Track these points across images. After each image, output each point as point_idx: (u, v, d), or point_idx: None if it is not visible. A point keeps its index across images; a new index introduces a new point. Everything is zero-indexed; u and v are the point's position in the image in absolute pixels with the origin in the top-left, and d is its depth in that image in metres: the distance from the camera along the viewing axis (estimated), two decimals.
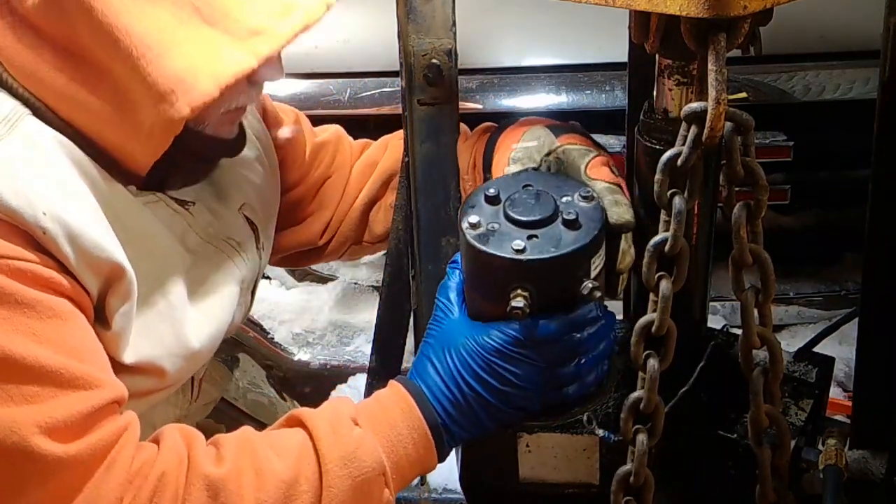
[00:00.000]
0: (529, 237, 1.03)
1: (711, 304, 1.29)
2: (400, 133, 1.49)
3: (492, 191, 1.09)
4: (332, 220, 1.47)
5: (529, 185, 1.09)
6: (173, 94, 0.97)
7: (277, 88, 2.01)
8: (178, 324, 1.11)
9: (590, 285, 1.02)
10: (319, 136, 1.49)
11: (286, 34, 1.05)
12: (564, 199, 1.06)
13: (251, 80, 1.09)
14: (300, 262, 1.56)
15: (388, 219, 1.50)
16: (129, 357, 1.05)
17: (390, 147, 1.51)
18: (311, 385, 2.00)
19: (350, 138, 1.53)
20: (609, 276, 1.09)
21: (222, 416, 2.08)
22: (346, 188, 1.47)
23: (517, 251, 1.01)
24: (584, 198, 1.07)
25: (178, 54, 0.97)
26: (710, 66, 0.89)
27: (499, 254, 1.01)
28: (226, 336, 1.23)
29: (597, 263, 1.04)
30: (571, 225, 1.03)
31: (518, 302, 1.00)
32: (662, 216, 0.97)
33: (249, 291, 1.28)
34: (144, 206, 1.10)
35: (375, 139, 1.98)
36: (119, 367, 1.04)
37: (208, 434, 1.42)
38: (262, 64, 1.02)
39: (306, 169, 1.45)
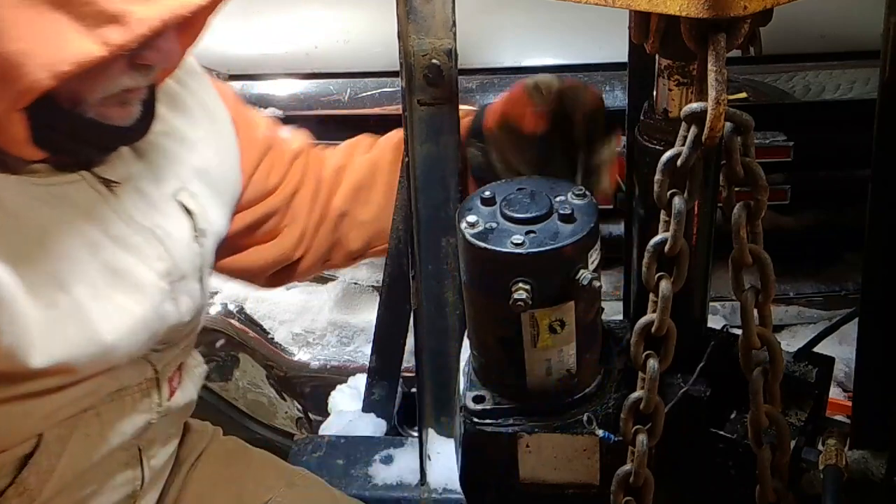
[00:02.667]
0: (527, 233, 1.04)
1: (711, 304, 1.29)
2: (366, 137, 1.47)
3: (487, 193, 1.10)
4: (304, 234, 1.42)
5: (523, 188, 1.11)
6: (2, 80, 0.90)
7: (278, 88, 2.01)
8: (87, 320, 1.04)
9: (588, 276, 1.03)
10: (292, 146, 1.44)
11: (148, 22, 0.92)
12: (558, 198, 1.09)
13: (134, 64, 0.99)
14: (281, 279, 1.49)
15: (363, 237, 1.47)
16: (38, 361, 1.00)
17: (357, 152, 1.46)
18: (311, 385, 2.00)
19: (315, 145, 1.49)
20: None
21: (221, 416, 2.08)
22: (317, 199, 1.42)
23: (516, 245, 1.02)
24: (578, 195, 1.09)
25: (12, 37, 0.89)
26: (710, 67, 0.89)
27: (499, 249, 1.03)
28: (178, 330, 1.17)
29: (594, 257, 1.06)
30: (567, 219, 1.05)
31: (520, 294, 1.01)
32: (662, 216, 0.97)
33: (195, 280, 1.18)
34: (52, 191, 1.03)
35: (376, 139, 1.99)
36: (29, 373, 0.99)
37: (199, 435, 1.41)
38: (115, 53, 0.92)
39: (280, 179, 1.39)
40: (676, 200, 0.95)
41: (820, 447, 1.13)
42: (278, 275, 1.46)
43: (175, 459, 1.34)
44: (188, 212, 1.16)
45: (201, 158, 1.20)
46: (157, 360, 1.17)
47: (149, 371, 1.16)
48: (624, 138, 1.68)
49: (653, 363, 0.99)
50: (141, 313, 1.09)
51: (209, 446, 1.39)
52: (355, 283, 2.09)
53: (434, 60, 1.36)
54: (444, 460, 1.70)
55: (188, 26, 1.02)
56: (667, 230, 0.96)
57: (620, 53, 1.28)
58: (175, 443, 1.28)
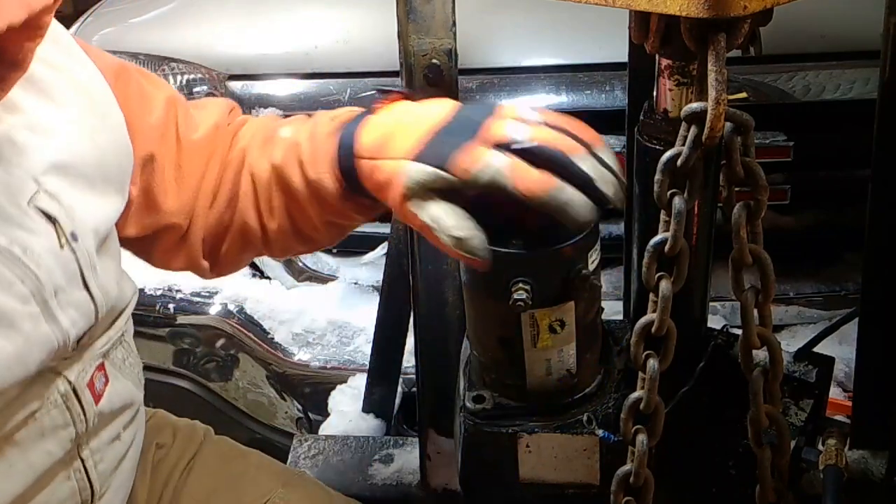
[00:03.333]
0: None
1: (711, 304, 1.29)
2: (268, 117, 1.30)
3: None
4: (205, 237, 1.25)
5: None
6: None
7: (278, 88, 2.01)
8: None
9: (586, 272, 1.03)
10: (197, 133, 1.23)
11: None
12: None
13: None
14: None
15: (233, 261, 1.29)
16: None
17: (240, 138, 1.25)
18: (311, 385, 2.00)
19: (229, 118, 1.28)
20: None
21: (221, 416, 2.08)
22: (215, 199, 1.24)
23: (516, 245, 1.02)
24: None
25: None
26: (709, 67, 0.89)
27: (499, 249, 1.03)
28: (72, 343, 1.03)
29: (594, 257, 1.06)
30: None
31: (520, 294, 1.01)
32: (662, 216, 0.97)
33: (78, 288, 1.02)
34: None
35: None
36: None
37: (189, 437, 1.39)
38: None
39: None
40: (676, 200, 0.95)
41: (820, 447, 1.13)
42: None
43: (161, 466, 1.31)
44: (49, 218, 0.98)
45: (66, 146, 1.02)
46: (67, 370, 1.04)
47: (60, 384, 1.03)
48: (624, 138, 1.69)
49: (653, 363, 0.99)
50: (12, 349, 0.93)
51: (202, 450, 1.37)
52: (355, 283, 2.09)
53: (434, 60, 1.36)
54: (444, 460, 1.71)
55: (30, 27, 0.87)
56: (667, 230, 0.96)
57: (620, 53, 1.28)
58: (129, 440, 1.19)
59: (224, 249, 1.26)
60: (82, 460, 1.08)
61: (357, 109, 1.20)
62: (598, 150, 1.00)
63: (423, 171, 1.00)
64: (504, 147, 0.99)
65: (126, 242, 1.21)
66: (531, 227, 1.02)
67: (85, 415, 1.06)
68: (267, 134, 1.23)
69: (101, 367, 1.10)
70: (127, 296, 1.17)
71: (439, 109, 1.07)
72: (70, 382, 1.04)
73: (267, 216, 1.21)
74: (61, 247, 0.99)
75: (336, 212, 1.18)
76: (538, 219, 0.99)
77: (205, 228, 1.24)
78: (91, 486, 1.10)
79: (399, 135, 1.06)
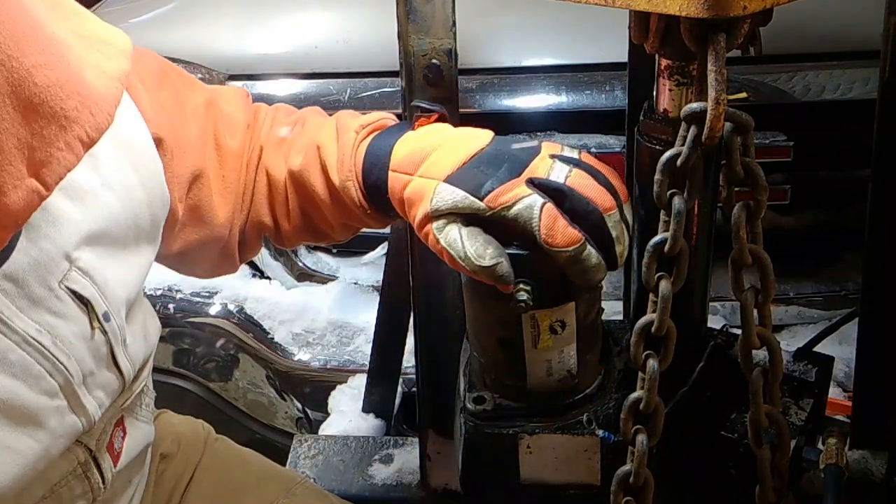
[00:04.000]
0: None
1: (711, 304, 1.29)
2: (279, 109, 1.28)
3: None
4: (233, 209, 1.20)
5: None
6: None
7: (278, 88, 2.01)
8: None
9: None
10: (234, 138, 1.19)
11: None
12: None
13: None
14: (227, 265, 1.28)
15: (249, 254, 1.25)
16: None
17: (256, 133, 1.21)
18: (311, 385, 2.00)
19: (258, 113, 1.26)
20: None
21: (221, 416, 2.08)
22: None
23: (518, 246, 1.02)
24: None
25: None
26: (709, 67, 0.89)
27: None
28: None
29: None
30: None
31: (521, 295, 1.01)
32: (662, 216, 0.97)
33: (107, 368, 0.95)
34: None
35: None
36: None
37: (192, 447, 1.38)
38: None
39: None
40: (676, 200, 0.95)
41: (820, 446, 1.13)
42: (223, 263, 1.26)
43: (167, 477, 1.30)
44: (81, 300, 0.90)
45: (102, 212, 0.92)
46: (88, 438, 0.97)
47: (80, 453, 0.97)
48: (624, 138, 1.69)
49: (653, 363, 0.99)
50: (32, 447, 0.86)
51: (204, 458, 1.35)
52: (355, 283, 2.09)
53: (434, 60, 1.36)
54: (444, 460, 1.71)
55: None
56: (667, 230, 0.96)
57: (620, 53, 1.28)
58: (135, 482, 1.15)
59: (245, 245, 1.25)
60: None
61: (388, 118, 1.21)
62: (624, 206, 1.03)
63: (455, 193, 1.01)
64: (539, 184, 1.01)
65: (166, 258, 1.17)
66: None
67: (104, 482, 1.01)
68: (280, 132, 1.22)
69: (120, 421, 1.05)
70: (152, 342, 1.09)
71: (478, 137, 1.08)
72: (91, 451, 0.98)
73: (282, 216, 1.21)
74: (92, 330, 0.92)
75: (354, 217, 1.18)
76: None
77: (240, 231, 1.22)
78: None
79: (436, 155, 1.06)
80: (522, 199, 0.99)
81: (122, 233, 0.96)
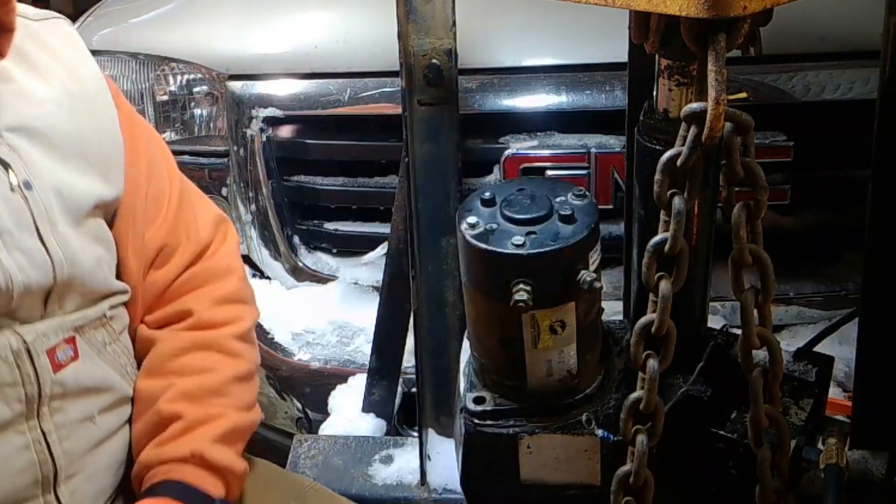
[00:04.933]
0: (528, 234, 1.04)
1: (711, 304, 1.29)
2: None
3: (487, 195, 1.10)
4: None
5: (523, 189, 1.11)
6: None
7: (278, 88, 2.01)
8: None
9: (588, 278, 1.03)
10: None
11: None
12: (558, 199, 1.08)
13: None
14: None
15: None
16: None
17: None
18: (311, 385, 2.00)
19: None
20: None
21: None
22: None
23: (517, 246, 1.02)
24: (578, 195, 1.08)
25: None
26: (709, 67, 0.89)
27: (499, 250, 1.03)
28: (31, 294, 1.08)
29: (594, 258, 1.06)
30: (568, 220, 1.05)
31: (521, 295, 1.01)
32: (662, 216, 0.97)
33: (29, 236, 1.09)
34: None
35: (375, 139, 1.99)
36: None
37: None
38: None
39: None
40: (676, 200, 0.95)
41: (820, 446, 1.13)
42: None
43: None
44: (2, 163, 1.07)
45: (43, 116, 1.12)
46: (27, 330, 1.08)
47: (13, 340, 1.07)
48: (624, 138, 1.69)
49: (653, 363, 0.99)
50: None
51: None
52: (355, 283, 2.09)
53: (434, 60, 1.36)
54: (444, 460, 1.71)
55: None
56: (667, 230, 0.96)
57: (620, 53, 1.28)
58: (108, 431, 1.20)
59: None
60: (44, 433, 1.10)
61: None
62: None
63: None
64: None
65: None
66: None
67: (38, 378, 1.09)
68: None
69: (72, 340, 1.13)
70: (112, 285, 1.19)
71: None
72: (25, 342, 1.08)
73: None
74: (11, 190, 1.07)
75: None
76: None
77: None
78: (54, 462, 1.10)
79: None
80: None
81: (63, 145, 1.14)
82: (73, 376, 1.13)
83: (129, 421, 1.24)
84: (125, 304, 1.23)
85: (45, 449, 1.10)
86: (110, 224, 1.22)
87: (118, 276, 1.23)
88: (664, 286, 0.97)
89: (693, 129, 0.92)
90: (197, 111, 2.09)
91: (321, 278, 2.11)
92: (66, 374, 1.12)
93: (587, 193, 1.09)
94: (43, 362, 1.09)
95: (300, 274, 2.11)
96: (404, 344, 1.86)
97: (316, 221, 2.10)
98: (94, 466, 1.17)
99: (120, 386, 1.21)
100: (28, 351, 1.08)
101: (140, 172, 1.26)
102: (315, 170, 2.05)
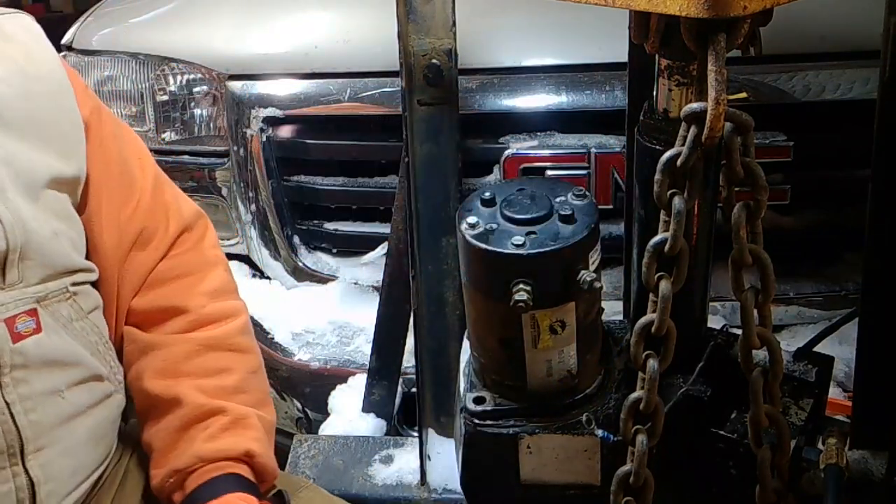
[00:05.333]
0: (528, 234, 1.04)
1: (711, 304, 1.29)
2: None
3: (487, 195, 1.10)
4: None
5: (523, 189, 1.11)
6: None
7: (278, 88, 2.01)
8: None
9: (588, 278, 1.03)
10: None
11: None
12: (558, 199, 1.08)
13: None
14: None
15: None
16: None
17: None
18: (311, 385, 2.00)
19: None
20: None
21: None
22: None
23: (517, 246, 1.02)
24: (578, 195, 1.08)
25: None
26: (709, 67, 0.89)
27: (499, 250, 1.03)
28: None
29: (594, 258, 1.06)
30: (568, 220, 1.05)
31: (521, 295, 1.01)
32: (662, 216, 0.97)
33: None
34: None
35: (375, 139, 1.99)
36: None
37: None
38: None
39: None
40: (676, 200, 0.95)
41: (820, 446, 1.13)
42: None
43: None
44: None
45: None
46: None
47: None
48: (624, 138, 1.69)
49: (653, 363, 0.99)
50: None
51: None
52: (355, 283, 2.09)
53: (434, 60, 1.36)
54: (444, 460, 1.71)
55: None
56: (667, 230, 0.96)
57: (620, 53, 1.28)
58: (75, 401, 1.20)
59: None
60: (7, 403, 1.11)
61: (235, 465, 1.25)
62: None
63: None
64: None
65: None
66: None
67: None
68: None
69: (33, 312, 1.15)
70: (76, 262, 1.21)
71: None
72: None
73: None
74: None
75: None
76: None
77: None
78: (19, 433, 1.11)
79: None
80: None
81: (15, 120, 1.16)
82: (36, 348, 1.14)
83: (105, 401, 1.25)
84: (94, 283, 1.24)
85: (8, 419, 1.11)
86: (81, 205, 1.24)
87: (89, 257, 1.24)
88: (664, 286, 0.97)
89: (693, 129, 0.92)
90: (197, 111, 2.10)
91: (321, 278, 2.11)
92: (27, 345, 1.13)
93: (587, 193, 1.09)
94: (1, 332, 1.11)
95: (300, 274, 2.11)
96: (404, 344, 1.86)
97: (316, 221, 2.10)
98: (68, 441, 1.18)
99: (89, 362, 1.22)
100: None
101: (108, 154, 1.27)
102: (315, 170, 2.05)
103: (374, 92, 1.94)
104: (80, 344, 1.21)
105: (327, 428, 1.89)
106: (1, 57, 1.20)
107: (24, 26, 1.25)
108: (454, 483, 1.64)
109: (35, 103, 1.20)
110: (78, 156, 1.24)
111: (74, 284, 1.20)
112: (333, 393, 1.95)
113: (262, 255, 2.12)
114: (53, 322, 1.17)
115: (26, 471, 1.13)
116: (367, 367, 1.89)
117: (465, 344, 1.21)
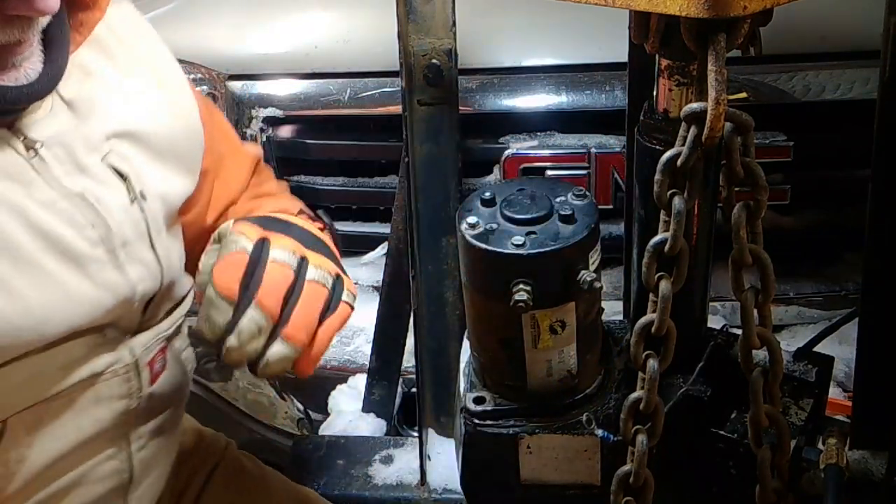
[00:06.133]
0: (528, 234, 1.04)
1: (711, 304, 1.29)
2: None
3: (487, 195, 1.10)
4: None
5: (523, 189, 1.11)
6: None
7: (278, 88, 2.01)
8: (10, 288, 0.95)
9: (588, 278, 1.03)
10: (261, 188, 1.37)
11: None
12: (559, 199, 1.08)
13: (5, 17, 0.90)
14: None
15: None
16: None
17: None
18: (311, 385, 2.00)
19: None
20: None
21: (221, 416, 2.08)
22: None
23: (517, 246, 1.02)
24: (578, 195, 1.08)
25: None
26: (709, 67, 0.89)
27: (499, 250, 1.03)
28: (139, 303, 1.09)
29: (594, 258, 1.06)
30: (568, 220, 1.05)
31: (521, 295, 1.01)
32: (662, 216, 0.97)
33: (145, 247, 1.09)
34: None
35: (375, 139, 1.99)
36: None
37: (212, 446, 1.39)
38: None
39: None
40: (676, 200, 0.95)
41: (820, 446, 1.13)
42: None
43: (183, 469, 1.31)
44: (120, 175, 1.07)
45: (136, 115, 1.10)
46: (135, 343, 1.10)
47: (125, 355, 1.09)
48: (624, 138, 1.69)
49: (653, 363, 0.99)
50: (75, 283, 1.00)
51: (221, 462, 1.36)
52: (355, 283, 2.09)
53: (434, 60, 1.36)
54: (444, 460, 1.71)
55: None
56: (667, 230, 0.96)
57: (620, 53, 1.28)
58: (170, 437, 1.22)
59: None
60: (129, 442, 1.12)
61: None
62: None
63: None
64: None
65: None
66: None
67: (140, 391, 1.10)
68: None
69: (164, 350, 1.15)
70: (186, 286, 1.21)
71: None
72: (135, 356, 1.09)
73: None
74: (131, 202, 1.07)
75: None
76: None
77: None
78: (131, 471, 1.12)
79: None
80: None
81: (158, 144, 1.12)
82: (160, 388, 1.15)
83: (181, 425, 1.26)
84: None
85: (127, 458, 1.12)
86: (187, 205, 1.22)
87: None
88: (664, 286, 0.97)
89: (693, 129, 0.92)
90: None
91: None
92: (156, 386, 1.14)
93: (587, 193, 1.09)
94: (146, 375, 1.11)
95: None
96: (404, 344, 1.86)
97: None
98: (157, 472, 1.19)
99: (185, 392, 1.23)
100: (136, 364, 1.09)
101: (215, 142, 1.26)
102: (315, 170, 2.05)
103: (374, 92, 1.94)
104: (184, 376, 1.21)
105: (327, 428, 1.90)
106: (127, 64, 1.11)
107: (131, 19, 1.16)
108: (454, 483, 1.64)
109: (170, 121, 1.15)
110: (199, 165, 1.21)
111: (185, 312, 1.19)
112: (333, 393, 1.95)
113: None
114: (172, 357, 1.17)
115: None
116: (367, 367, 1.89)
117: (465, 344, 1.21)
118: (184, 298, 1.20)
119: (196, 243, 1.24)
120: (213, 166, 1.25)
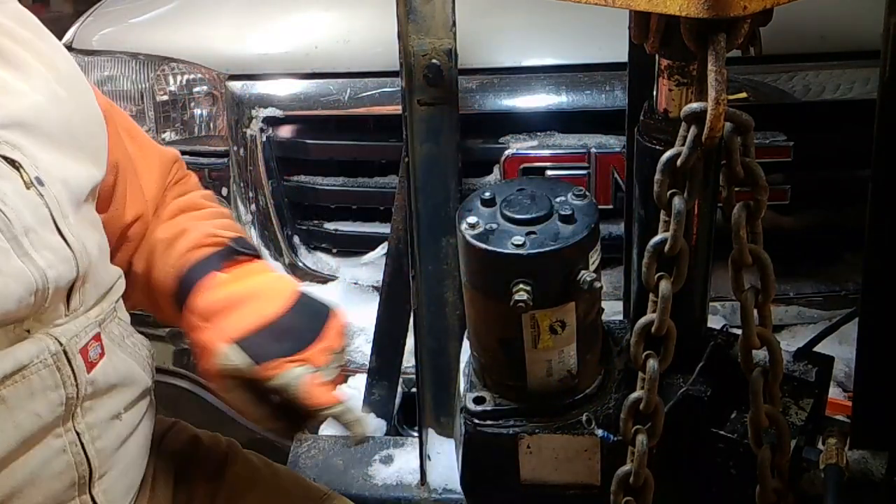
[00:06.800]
0: (528, 234, 1.04)
1: (711, 304, 1.29)
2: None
3: (487, 195, 1.10)
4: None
5: (523, 189, 1.11)
6: None
7: (278, 88, 2.01)
8: None
9: (588, 278, 1.03)
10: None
11: None
12: (559, 199, 1.08)
13: None
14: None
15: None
16: None
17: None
18: None
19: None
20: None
21: (221, 416, 2.08)
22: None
23: (517, 246, 1.02)
24: (578, 195, 1.08)
25: None
26: (709, 67, 0.89)
27: (499, 250, 1.03)
28: (61, 290, 1.08)
29: (594, 258, 1.06)
30: (568, 220, 1.05)
31: (521, 295, 1.01)
32: (662, 216, 0.97)
33: (51, 232, 1.08)
34: None
35: (375, 139, 1.99)
36: None
37: (212, 450, 1.39)
38: None
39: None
40: (676, 200, 0.95)
41: (820, 446, 1.13)
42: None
43: (188, 473, 1.31)
44: (11, 163, 1.06)
45: (30, 108, 1.10)
46: (61, 332, 1.08)
47: (52, 344, 1.07)
48: (624, 138, 1.69)
49: (653, 363, 0.99)
50: None
51: (231, 469, 1.35)
52: (355, 283, 2.09)
53: (434, 60, 1.36)
54: (444, 460, 1.71)
55: None
56: (667, 230, 0.96)
57: (620, 53, 1.28)
58: (132, 424, 1.20)
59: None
60: (78, 434, 1.10)
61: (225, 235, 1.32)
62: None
63: (238, 358, 1.17)
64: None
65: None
66: None
67: (76, 379, 1.09)
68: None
69: (98, 337, 1.14)
70: (113, 275, 1.20)
71: (279, 297, 1.23)
72: (62, 344, 1.07)
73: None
74: (27, 188, 1.06)
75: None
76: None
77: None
78: (89, 463, 1.11)
79: (234, 312, 1.21)
80: (285, 373, 1.17)
81: (56, 133, 1.12)
82: (103, 374, 1.13)
83: (147, 413, 1.25)
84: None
85: (80, 450, 1.10)
86: (102, 201, 1.23)
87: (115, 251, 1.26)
88: (664, 286, 0.97)
89: (693, 129, 0.92)
90: (197, 111, 2.10)
91: (321, 278, 2.11)
92: (97, 373, 1.12)
93: (587, 193, 1.09)
94: (79, 363, 1.09)
95: (300, 274, 2.11)
96: (404, 344, 1.86)
97: (316, 221, 2.10)
98: (123, 463, 1.17)
99: (141, 379, 1.22)
100: (65, 353, 1.08)
101: (119, 136, 1.28)
102: (315, 170, 2.05)
103: (374, 92, 1.94)
104: (135, 361, 1.21)
105: (327, 428, 1.89)
106: (17, 60, 1.13)
107: (20, 16, 1.17)
108: (454, 483, 1.64)
109: (66, 109, 1.16)
110: (104, 154, 1.22)
111: (117, 299, 1.20)
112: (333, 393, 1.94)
113: (262, 256, 2.12)
114: (111, 343, 1.16)
115: (92, 498, 1.12)
116: (367, 367, 1.89)
117: (465, 344, 1.21)
118: (113, 286, 1.20)
119: (118, 242, 1.28)
120: (123, 161, 1.27)
